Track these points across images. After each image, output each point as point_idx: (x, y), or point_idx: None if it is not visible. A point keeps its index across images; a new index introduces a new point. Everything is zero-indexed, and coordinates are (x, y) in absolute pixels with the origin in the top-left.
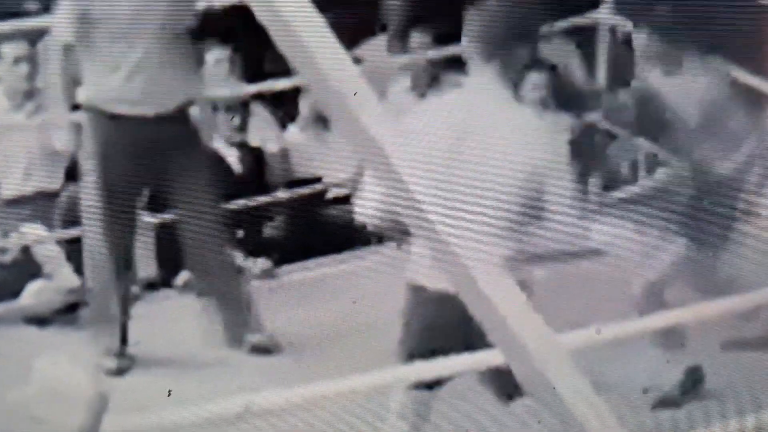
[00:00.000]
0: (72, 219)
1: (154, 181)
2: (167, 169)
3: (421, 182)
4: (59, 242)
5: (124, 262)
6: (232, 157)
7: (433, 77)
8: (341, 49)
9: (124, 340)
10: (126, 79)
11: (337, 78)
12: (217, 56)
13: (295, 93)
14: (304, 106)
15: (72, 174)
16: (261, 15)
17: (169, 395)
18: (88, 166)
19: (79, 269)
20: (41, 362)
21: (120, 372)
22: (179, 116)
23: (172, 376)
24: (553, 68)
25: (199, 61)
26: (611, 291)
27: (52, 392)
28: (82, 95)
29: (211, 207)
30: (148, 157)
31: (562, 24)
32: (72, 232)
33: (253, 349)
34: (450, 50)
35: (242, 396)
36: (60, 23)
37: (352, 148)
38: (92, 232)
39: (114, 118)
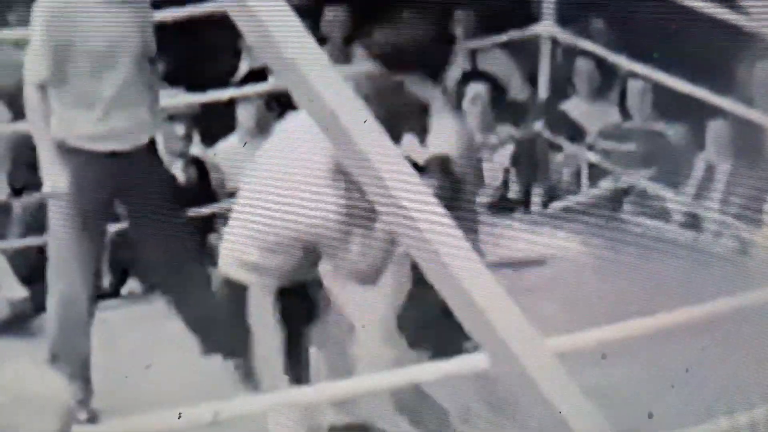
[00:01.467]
0: (25, 230)
1: (123, 202)
2: (137, 191)
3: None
4: (4, 252)
5: (94, 278)
6: (177, 168)
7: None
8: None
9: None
10: (102, 117)
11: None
12: None
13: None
14: (243, 116)
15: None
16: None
17: (179, 418)
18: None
19: (27, 279)
20: (7, 371)
21: (92, 421)
22: (152, 146)
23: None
24: (492, 81)
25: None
26: (555, 299)
27: (22, 400)
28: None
29: (178, 219)
30: (122, 188)
31: (500, 37)
32: (21, 242)
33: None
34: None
35: (212, 403)
36: (34, 58)
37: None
38: (61, 254)
39: (88, 153)
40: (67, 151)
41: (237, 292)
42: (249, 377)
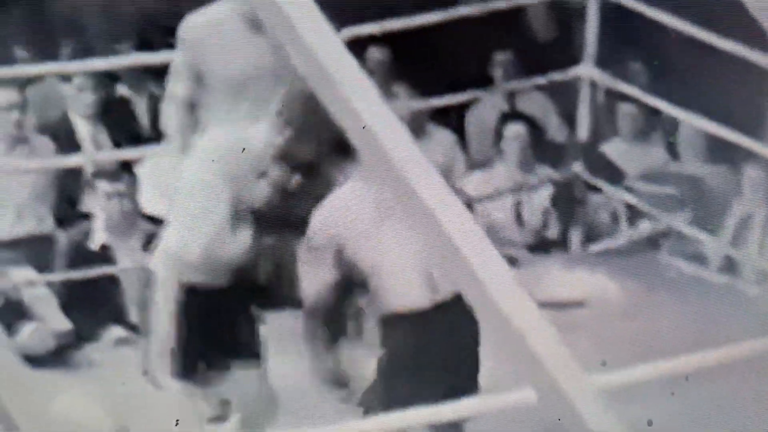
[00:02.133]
0: (70, 262)
1: None
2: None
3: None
4: (50, 284)
5: None
6: None
7: (417, 127)
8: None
9: None
10: None
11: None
12: None
13: None
14: None
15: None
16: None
17: (176, 425)
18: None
19: (70, 310)
20: (59, 404)
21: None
22: None
23: None
24: (531, 122)
25: None
26: (592, 339)
27: (71, 427)
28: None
29: None
30: None
31: (540, 79)
32: (68, 275)
33: None
34: (433, 102)
35: None
36: (175, 78)
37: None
38: None
39: None
40: None
41: None
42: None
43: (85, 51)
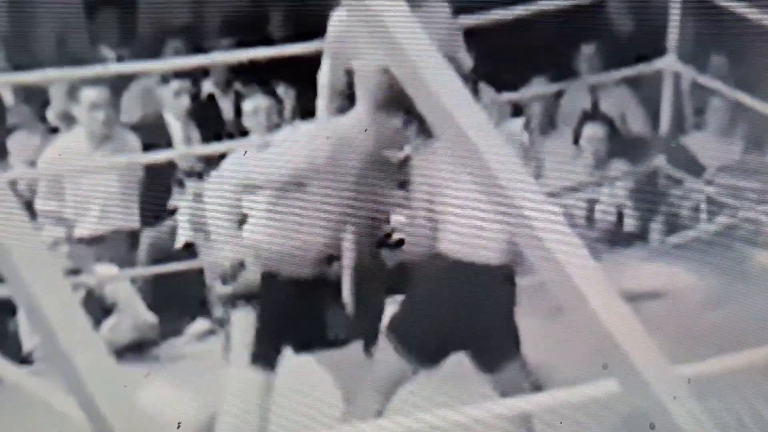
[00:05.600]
0: (157, 257)
1: None
2: None
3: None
4: (134, 280)
5: None
6: None
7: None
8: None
9: None
10: None
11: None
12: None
13: None
14: None
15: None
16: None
17: (178, 427)
18: None
19: (154, 305)
20: (145, 393)
21: None
22: None
23: None
24: (610, 122)
25: None
26: (670, 331)
27: (158, 420)
28: None
29: None
30: None
31: (626, 72)
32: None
33: None
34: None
35: None
36: (325, 69)
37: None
38: None
39: None
40: None
41: None
42: None
43: (187, 51)
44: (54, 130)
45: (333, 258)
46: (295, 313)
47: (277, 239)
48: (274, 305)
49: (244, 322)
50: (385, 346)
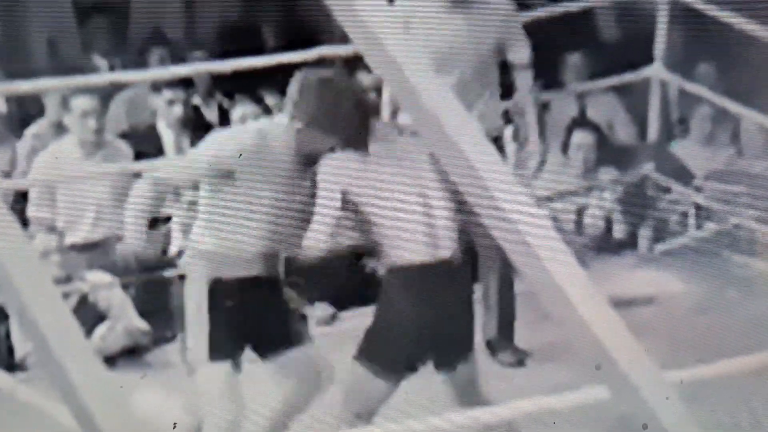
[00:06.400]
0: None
1: None
2: None
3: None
4: (126, 286)
5: None
6: None
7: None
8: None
9: None
10: None
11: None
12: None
13: None
14: None
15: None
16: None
17: (174, 428)
18: None
19: (146, 312)
20: (138, 399)
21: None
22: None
23: None
24: (598, 129)
25: None
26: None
27: (150, 426)
28: None
29: None
30: None
31: (611, 80)
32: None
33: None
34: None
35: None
36: None
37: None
38: None
39: None
40: None
41: None
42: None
43: (171, 60)
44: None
45: (275, 256)
46: (245, 314)
47: (217, 239)
48: (224, 307)
49: (196, 324)
50: (357, 372)
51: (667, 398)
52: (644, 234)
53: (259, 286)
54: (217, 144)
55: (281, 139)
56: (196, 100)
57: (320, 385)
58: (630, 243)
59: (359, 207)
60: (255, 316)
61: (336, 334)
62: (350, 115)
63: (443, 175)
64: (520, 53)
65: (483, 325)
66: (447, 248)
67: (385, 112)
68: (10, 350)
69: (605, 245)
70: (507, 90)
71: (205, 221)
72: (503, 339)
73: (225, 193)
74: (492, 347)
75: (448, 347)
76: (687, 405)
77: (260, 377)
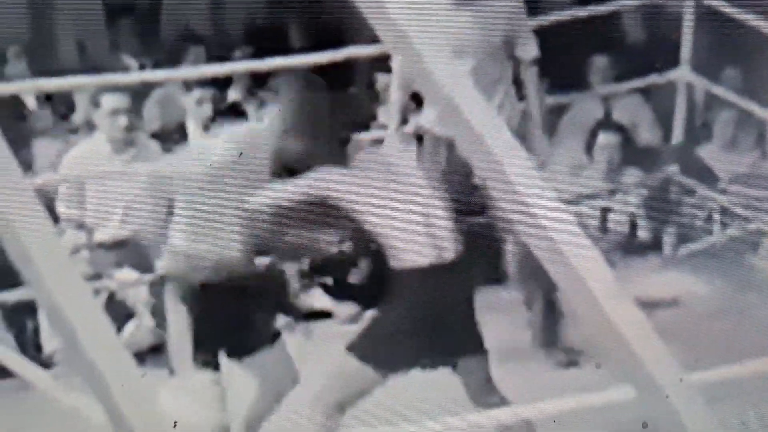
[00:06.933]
0: None
1: None
2: None
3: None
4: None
5: None
6: None
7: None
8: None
9: None
10: None
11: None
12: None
13: None
14: None
15: None
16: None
17: (174, 426)
18: None
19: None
20: (163, 395)
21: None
22: None
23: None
24: (624, 131)
25: None
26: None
27: (177, 423)
28: None
29: None
30: None
31: (637, 83)
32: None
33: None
34: None
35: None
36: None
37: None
38: None
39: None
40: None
41: None
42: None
43: (207, 59)
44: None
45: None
46: (222, 317)
47: (195, 243)
48: (202, 310)
49: (179, 328)
50: (348, 362)
51: (691, 399)
52: (668, 236)
53: (234, 290)
54: (199, 153)
55: (259, 144)
56: (234, 95)
57: (288, 386)
58: (654, 245)
59: (356, 217)
60: (230, 319)
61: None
62: (328, 124)
63: (434, 180)
64: (527, 48)
65: (531, 326)
66: (450, 249)
67: (394, 114)
68: (38, 347)
69: (630, 247)
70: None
71: (183, 224)
72: (553, 339)
73: (203, 198)
74: (544, 347)
75: (448, 347)
76: (710, 406)
77: (237, 379)
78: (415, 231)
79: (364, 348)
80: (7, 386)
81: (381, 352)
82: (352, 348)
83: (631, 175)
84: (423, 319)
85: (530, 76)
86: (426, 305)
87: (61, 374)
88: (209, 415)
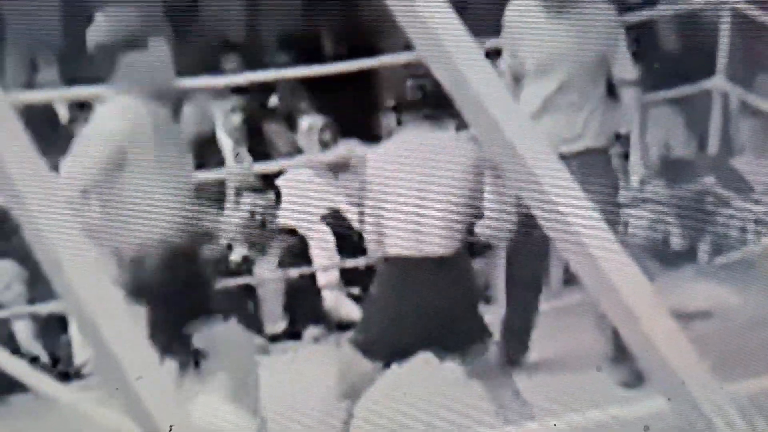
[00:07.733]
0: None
1: None
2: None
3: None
4: None
5: None
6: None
7: None
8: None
9: None
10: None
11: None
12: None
13: None
14: None
15: None
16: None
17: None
18: None
19: None
20: (197, 404)
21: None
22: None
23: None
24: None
25: None
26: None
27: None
28: None
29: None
30: None
31: (671, 92)
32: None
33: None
34: None
35: None
36: (503, 55)
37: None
38: None
39: None
40: None
41: None
42: None
43: (246, 65)
44: None
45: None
46: (176, 302)
47: (120, 227)
48: (157, 296)
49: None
50: (348, 353)
51: (725, 411)
52: (703, 246)
53: (176, 265)
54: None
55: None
56: (274, 101)
57: (250, 363)
58: (689, 255)
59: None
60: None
61: None
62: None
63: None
64: (625, 68)
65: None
66: (436, 245)
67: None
68: (69, 359)
69: (665, 257)
70: None
71: (104, 213)
72: (619, 357)
73: (119, 183)
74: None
75: (444, 339)
76: (745, 418)
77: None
78: (404, 221)
79: (356, 336)
80: (25, 400)
81: (369, 338)
82: (350, 338)
83: (666, 186)
84: (405, 308)
85: (629, 98)
86: (408, 294)
87: (92, 385)
88: (243, 423)
